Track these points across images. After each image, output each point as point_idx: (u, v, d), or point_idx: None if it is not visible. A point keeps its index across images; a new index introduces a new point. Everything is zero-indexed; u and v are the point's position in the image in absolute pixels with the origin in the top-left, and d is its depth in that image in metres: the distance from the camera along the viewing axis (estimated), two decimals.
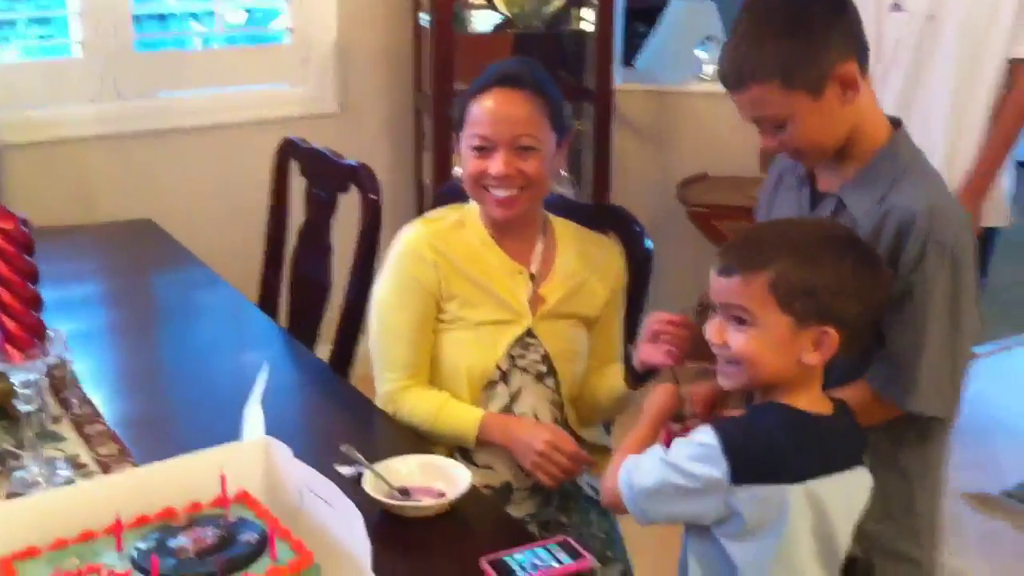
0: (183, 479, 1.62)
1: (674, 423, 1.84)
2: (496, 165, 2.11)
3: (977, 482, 3.75)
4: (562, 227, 2.28)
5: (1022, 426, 3.38)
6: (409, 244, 2.19)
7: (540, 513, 2.21)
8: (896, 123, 1.91)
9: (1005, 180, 3.34)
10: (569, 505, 2.23)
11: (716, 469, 1.60)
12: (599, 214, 2.46)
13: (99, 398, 2.19)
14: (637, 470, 1.70)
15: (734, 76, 1.82)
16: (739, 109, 1.86)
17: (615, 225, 2.40)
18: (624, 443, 1.82)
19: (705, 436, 1.63)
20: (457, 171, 2.29)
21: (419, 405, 2.15)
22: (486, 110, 2.13)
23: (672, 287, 3.48)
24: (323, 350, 2.72)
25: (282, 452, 1.62)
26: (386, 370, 2.19)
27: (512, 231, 2.22)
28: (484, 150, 2.12)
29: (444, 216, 2.26)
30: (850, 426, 1.73)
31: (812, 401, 1.68)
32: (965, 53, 3.16)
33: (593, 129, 4.10)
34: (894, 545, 1.95)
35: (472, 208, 2.24)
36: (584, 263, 2.25)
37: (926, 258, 1.77)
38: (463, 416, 2.13)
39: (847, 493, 1.69)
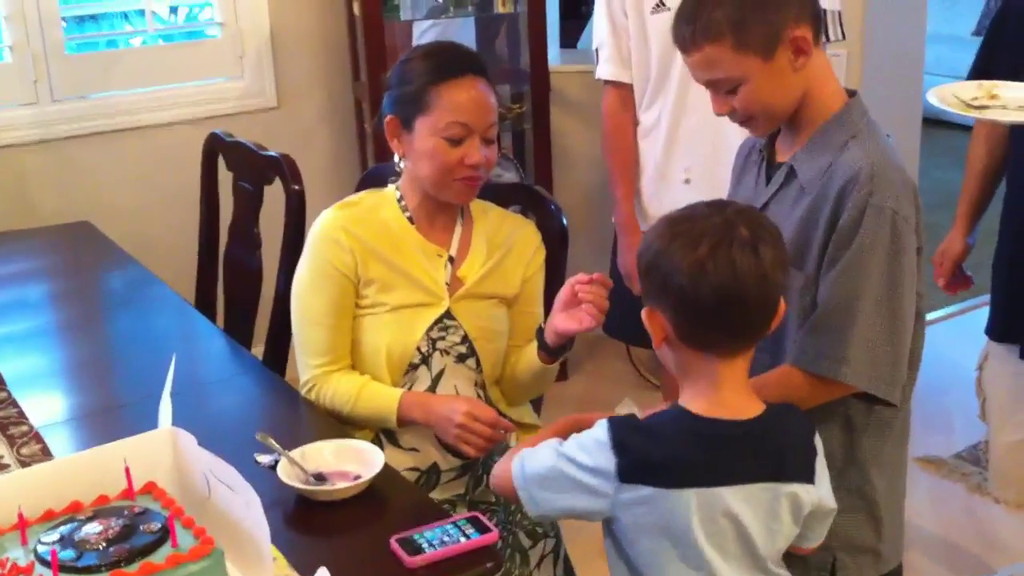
0: (90, 473, 1.64)
1: None
2: (475, 155, 2.11)
3: (928, 446, 3.78)
4: (479, 208, 2.30)
5: (971, 388, 3.40)
6: (325, 229, 2.19)
7: (469, 493, 2.23)
8: (851, 92, 1.90)
9: None
10: None
11: (605, 463, 1.60)
12: (515, 194, 2.47)
13: (30, 399, 2.21)
14: (531, 456, 1.70)
15: (688, 36, 1.80)
16: (692, 72, 1.85)
17: (531, 204, 2.42)
18: (535, 437, 1.81)
19: (598, 430, 1.63)
20: (396, 159, 2.25)
21: (339, 389, 2.16)
22: (467, 98, 2.11)
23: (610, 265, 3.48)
24: (260, 346, 2.73)
25: (187, 441, 1.63)
26: (307, 356, 2.20)
27: (433, 215, 2.23)
28: (459, 140, 2.11)
29: (361, 200, 2.26)
30: (782, 436, 1.67)
31: (727, 404, 1.64)
32: None
33: (531, 111, 4.12)
34: (854, 536, 1.93)
35: (390, 192, 2.25)
36: (501, 243, 2.26)
37: (864, 220, 1.75)
38: (383, 396, 2.15)
39: (766, 506, 1.63)
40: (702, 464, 1.61)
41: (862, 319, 1.77)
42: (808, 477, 1.67)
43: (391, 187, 2.26)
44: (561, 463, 1.64)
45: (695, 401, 1.65)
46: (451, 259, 2.23)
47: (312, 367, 2.19)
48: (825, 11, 2.74)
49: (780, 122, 1.89)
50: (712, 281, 1.57)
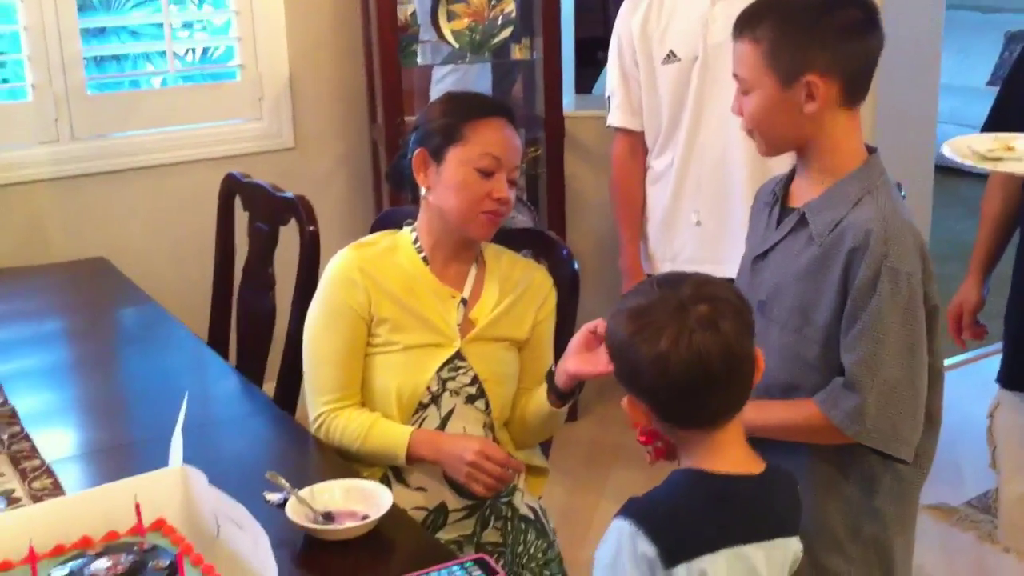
0: (101, 509, 1.65)
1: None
2: (502, 189, 2.17)
3: (939, 494, 3.76)
4: (493, 252, 2.32)
5: (983, 436, 3.38)
6: (339, 269, 2.22)
7: (477, 534, 2.23)
8: (871, 149, 1.92)
9: None
10: (506, 526, 2.25)
11: (645, 551, 1.53)
12: (527, 239, 2.49)
13: (43, 434, 2.22)
14: None
15: (741, 22, 1.87)
16: (732, 58, 1.91)
17: (543, 249, 2.44)
18: None
19: (615, 531, 1.56)
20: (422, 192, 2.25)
21: (350, 426, 2.18)
22: (499, 136, 2.18)
23: None
24: (272, 383, 2.75)
25: (198, 479, 1.65)
26: (317, 393, 2.22)
27: (448, 257, 2.25)
28: (489, 173, 2.16)
29: (376, 241, 2.29)
30: (782, 491, 1.67)
31: (731, 461, 1.62)
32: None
33: (545, 155, 4.15)
34: None
35: (405, 234, 2.28)
36: (513, 287, 2.28)
37: (880, 282, 1.76)
38: (393, 434, 2.16)
39: (780, 563, 1.63)
40: (723, 525, 1.58)
41: (883, 381, 1.78)
42: (797, 530, 1.67)
43: (406, 229, 2.29)
44: None
45: (703, 462, 1.62)
46: (464, 301, 2.25)
47: (322, 403, 2.20)
48: None
49: (778, 150, 1.93)
50: (677, 370, 1.54)
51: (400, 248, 2.26)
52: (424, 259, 2.24)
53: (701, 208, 2.97)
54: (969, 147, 2.35)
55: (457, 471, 2.11)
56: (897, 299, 1.77)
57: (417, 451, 2.14)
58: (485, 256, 2.30)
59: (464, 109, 2.21)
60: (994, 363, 3.15)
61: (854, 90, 1.85)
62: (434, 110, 2.26)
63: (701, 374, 1.55)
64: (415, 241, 2.26)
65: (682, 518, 1.57)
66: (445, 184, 2.18)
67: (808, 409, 1.84)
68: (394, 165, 2.35)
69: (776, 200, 1.98)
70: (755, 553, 1.58)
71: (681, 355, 1.54)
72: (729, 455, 1.62)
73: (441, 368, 2.20)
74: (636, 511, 1.56)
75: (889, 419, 1.79)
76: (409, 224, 2.30)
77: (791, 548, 1.65)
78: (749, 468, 1.63)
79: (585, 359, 2.07)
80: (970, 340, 3.07)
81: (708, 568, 1.54)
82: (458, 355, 2.21)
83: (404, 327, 2.19)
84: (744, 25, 1.87)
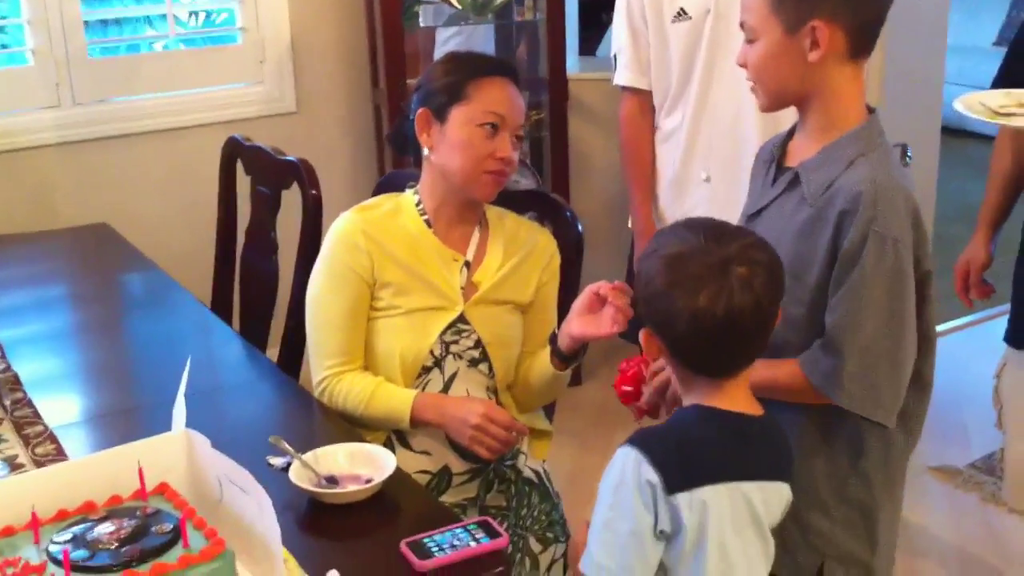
0: (104, 473, 1.65)
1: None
2: (506, 148, 2.16)
3: (943, 455, 3.77)
4: (496, 215, 2.31)
5: (987, 398, 3.38)
6: (342, 232, 2.21)
7: (480, 498, 2.23)
8: (871, 110, 1.89)
9: None
10: (510, 489, 2.26)
11: (650, 477, 1.54)
12: (531, 201, 2.48)
13: (45, 400, 2.22)
14: (588, 549, 1.61)
15: None
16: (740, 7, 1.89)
17: (547, 211, 2.43)
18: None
19: (624, 456, 1.58)
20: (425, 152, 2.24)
21: (353, 390, 2.17)
22: (501, 92, 2.17)
23: (626, 273, 3.50)
24: (275, 348, 2.75)
25: (201, 444, 1.64)
26: (321, 357, 2.21)
27: (452, 219, 2.24)
28: (495, 129, 2.15)
29: (379, 204, 2.28)
30: (779, 435, 1.69)
31: (737, 402, 1.64)
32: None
33: (549, 118, 4.13)
34: (851, 548, 1.93)
35: (407, 197, 2.27)
36: (517, 249, 2.27)
37: (867, 246, 1.74)
38: (396, 397, 2.16)
39: (775, 505, 1.66)
40: (728, 457, 1.61)
41: (862, 345, 1.76)
42: (790, 478, 1.69)
43: (409, 192, 2.28)
44: (608, 516, 1.58)
45: (710, 401, 1.64)
46: (467, 264, 2.24)
47: (326, 367, 2.20)
48: None
49: (779, 102, 1.89)
50: (709, 326, 1.57)
51: (403, 211, 2.25)
52: (427, 222, 2.23)
53: (712, 164, 2.94)
54: (981, 103, 2.34)
55: (461, 434, 2.11)
56: (882, 265, 1.74)
57: (421, 415, 2.14)
58: (488, 218, 2.29)
59: (467, 68, 2.20)
60: (1000, 324, 3.15)
61: (860, 42, 1.82)
62: (437, 69, 2.24)
63: (731, 332, 1.58)
64: (418, 203, 2.25)
65: (688, 449, 1.59)
66: (449, 143, 2.17)
67: (790, 368, 1.83)
68: (397, 128, 2.33)
69: (773, 159, 1.96)
70: (753, 491, 1.61)
71: (717, 314, 1.56)
72: (737, 397, 1.65)
73: (444, 331, 2.19)
74: (642, 440, 1.58)
75: (867, 383, 1.77)
76: (411, 187, 2.29)
77: (784, 494, 1.67)
78: (752, 410, 1.66)
79: (589, 321, 2.06)
80: (976, 299, 3.06)
81: (708, 499, 1.56)
82: (461, 318, 2.20)
83: (407, 290, 2.18)
84: None
